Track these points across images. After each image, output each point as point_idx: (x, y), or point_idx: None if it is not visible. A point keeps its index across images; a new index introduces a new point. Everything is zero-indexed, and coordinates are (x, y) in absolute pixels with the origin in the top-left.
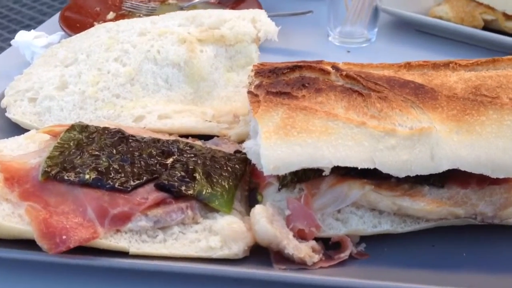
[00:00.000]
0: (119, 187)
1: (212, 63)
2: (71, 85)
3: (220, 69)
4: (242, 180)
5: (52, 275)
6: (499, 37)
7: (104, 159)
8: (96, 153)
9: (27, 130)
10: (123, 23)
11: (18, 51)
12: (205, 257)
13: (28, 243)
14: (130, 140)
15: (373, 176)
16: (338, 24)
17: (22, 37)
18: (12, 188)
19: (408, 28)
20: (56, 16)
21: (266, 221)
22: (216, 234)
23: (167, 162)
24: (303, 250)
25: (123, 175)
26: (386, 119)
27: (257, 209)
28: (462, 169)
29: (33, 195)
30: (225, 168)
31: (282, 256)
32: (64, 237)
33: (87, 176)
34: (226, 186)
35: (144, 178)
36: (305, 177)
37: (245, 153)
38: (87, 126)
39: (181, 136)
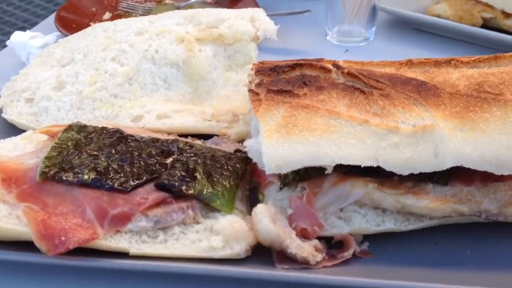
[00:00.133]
0: (118, 187)
1: (211, 63)
2: (68, 85)
3: (219, 69)
4: (243, 179)
5: (51, 277)
6: (498, 35)
7: (103, 159)
8: (95, 153)
9: (23, 131)
10: (120, 22)
11: (14, 51)
12: (207, 257)
13: (26, 245)
14: (129, 140)
15: (375, 174)
16: (336, 23)
17: (18, 38)
18: (9, 189)
19: (406, 27)
20: (52, 17)
21: (268, 220)
22: (217, 234)
23: (167, 161)
24: (306, 249)
25: (122, 175)
26: (389, 116)
27: (259, 208)
28: (466, 166)
29: (31, 196)
30: (225, 167)
31: (285, 255)
32: (63, 238)
33: (86, 176)
34: (227, 186)
35: (144, 178)
36: (307, 176)
37: (245, 152)
38: (85, 126)
39: (180, 135)
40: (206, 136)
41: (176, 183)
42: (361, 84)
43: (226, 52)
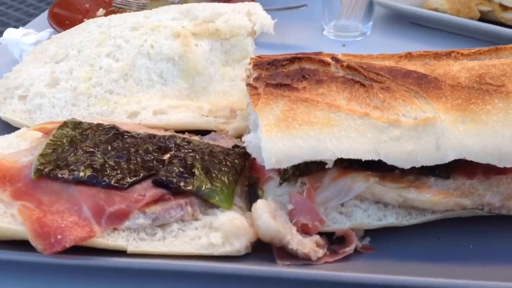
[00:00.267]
0: (115, 184)
1: (207, 58)
2: (62, 82)
3: (215, 64)
4: (242, 175)
5: (48, 277)
6: (495, 28)
7: (99, 156)
8: (91, 150)
9: (17, 129)
10: (114, 17)
11: (7, 49)
12: (206, 254)
13: (21, 244)
14: (125, 136)
15: (376, 168)
16: (332, 18)
17: (10, 35)
18: (4, 187)
19: (403, 21)
20: (45, 14)
21: (268, 216)
22: (217, 231)
23: (164, 158)
24: (307, 245)
25: (119, 172)
26: (390, 109)
27: (259, 204)
28: (469, 159)
29: (26, 194)
30: (224, 163)
31: (286, 251)
32: (59, 236)
33: (81, 174)
34: (226, 181)
35: (141, 174)
36: (307, 171)
37: (244, 148)
38: (80, 123)
39: (177, 131)
40: (203, 132)
41: (174, 179)
42: (361, 77)
43: (222, 47)
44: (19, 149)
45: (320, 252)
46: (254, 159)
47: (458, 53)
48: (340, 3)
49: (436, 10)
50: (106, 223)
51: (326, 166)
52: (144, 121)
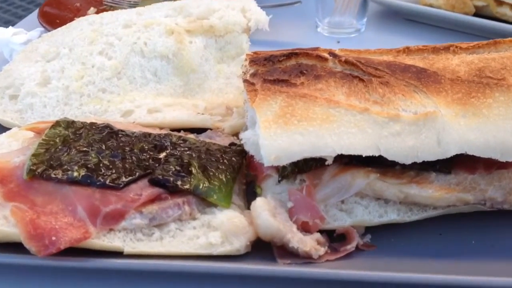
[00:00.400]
0: (110, 183)
1: (202, 55)
2: (54, 81)
3: (210, 61)
4: (239, 173)
5: (42, 279)
6: (490, 23)
7: (93, 155)
8: (85, 149)
9: (8, 129)
10: (106, 15)
11: None
12: (205, 254)
13: (15, 246)
14: (120, 135)
15: (377, 164)
16: (326, 15)
17: (0, 35)
18: None
19: (398, 17)
20: (35, 13)
21: (268, 214)
22: (215, 230)
23: (160, 156)
24: (308, 243)
25: (114, 171)
26: (389, 104)
27: (258, 202)
28: (471, 153)
29: (18, 195)
30: (221, 161)
31: (286, 250)
32: (53, 238)
33: (75, 173)
34: (224, 180)
35: (137, 173)
36: (306, 167)
37: (241, 145)
38: (73, 122)
39: (173, 130)
40: (199, 130)
41: (171, 178)
42: (359, 72)
43: (217, 43)
44: (11, 150)
45: (321, 250)
46: (252, 156)
47: (456, 47)
48: (334, 0)
49: (430, 5)
50: (101, 223)
51: (326, 163)
52: (139, 119)
